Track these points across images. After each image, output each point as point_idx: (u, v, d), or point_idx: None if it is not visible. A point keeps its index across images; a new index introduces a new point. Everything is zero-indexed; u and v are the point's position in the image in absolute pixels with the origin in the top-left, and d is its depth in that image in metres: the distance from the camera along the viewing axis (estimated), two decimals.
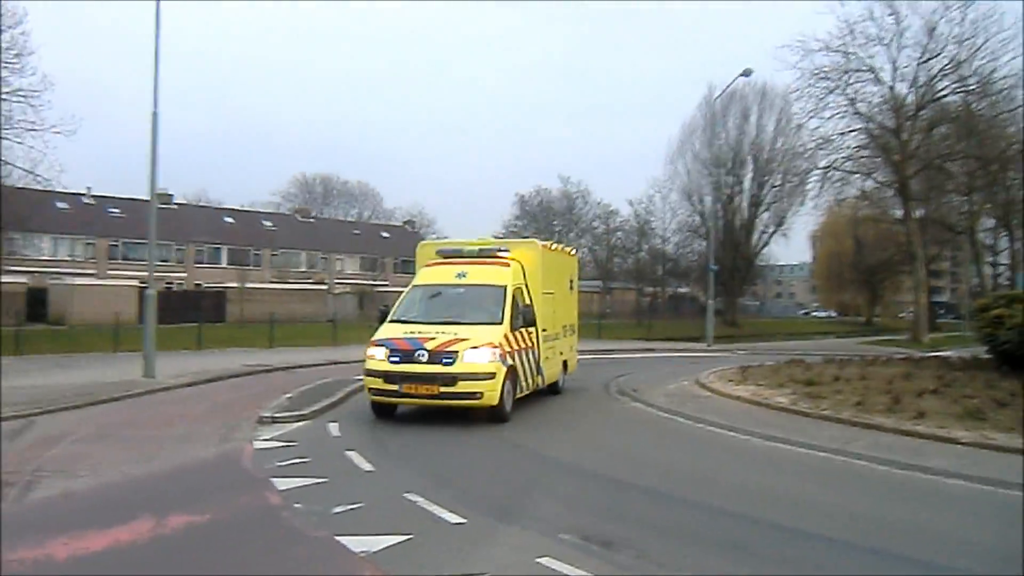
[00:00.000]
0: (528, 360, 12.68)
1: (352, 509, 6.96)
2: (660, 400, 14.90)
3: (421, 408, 12.11)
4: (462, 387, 10.94)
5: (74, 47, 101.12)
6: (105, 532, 6.22)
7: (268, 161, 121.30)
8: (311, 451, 9.62)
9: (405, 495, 7.43)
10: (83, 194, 56.78)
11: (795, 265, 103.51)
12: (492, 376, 11.10)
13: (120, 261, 54.35)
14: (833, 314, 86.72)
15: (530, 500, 7.52)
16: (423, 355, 11.04)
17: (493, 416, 11.38)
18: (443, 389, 10.95)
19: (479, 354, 11.11)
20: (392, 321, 12.20)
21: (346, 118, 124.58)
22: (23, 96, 28.91)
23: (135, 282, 40.68)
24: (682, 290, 72.56)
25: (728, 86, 41.10)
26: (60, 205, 52.79)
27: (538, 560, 5.68)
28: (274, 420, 11.69)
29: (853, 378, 16.59)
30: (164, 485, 8.02)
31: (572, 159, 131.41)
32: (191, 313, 36.73)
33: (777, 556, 6.06)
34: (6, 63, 28.92)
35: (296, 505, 7.10)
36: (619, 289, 69.12)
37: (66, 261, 52.74)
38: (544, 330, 13.37)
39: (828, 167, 37.61)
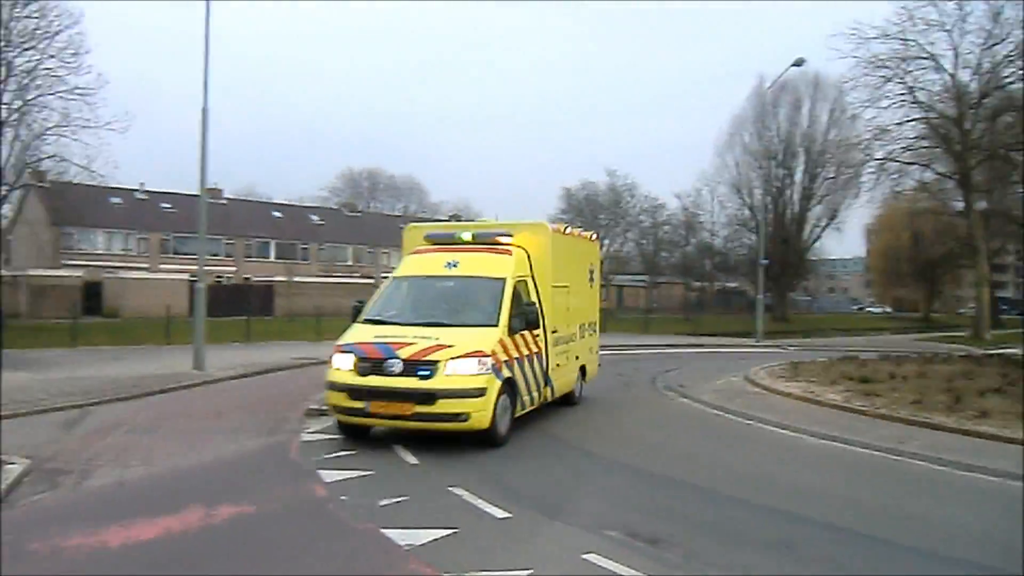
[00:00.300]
0: (531, 370, 10.47)
1: (398, 502, 6.97)
2: (708, 396, 14.68)
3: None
4: (443, 406, 8.83)
5: (127, 47, 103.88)
6: (156, 521, 6.33)
7: (315, 156, 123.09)
8: (357, 443, 9.66)
9: (450, 489, 7.41)
10: (136, 189, 58.20)
11: (849, 259, 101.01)
12: (481, 392, 8.96)
13: (171, 255, 55.64)
14: (889, 310, 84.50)
15: (575, 496, 7.44)
16: (396, 365, 8.95)
17: (483, 441, 9.27)
18: (419, 408, 8.82)
19: (465, 365, 8.99)
20: (365, 321, 10.15)
21: (393, 113, 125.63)
22: (79, 94, 29.82)
23: (186, 276, 41.61)
24: (730, 285, 71.52)
25: (779, 77, 40.16)
26: (114, 200, 54.17)
27: (584, 556, 5.62)
28: (321, 412, 11.77)
29: (910, 376, 16.12)
30: (213, 476, 8.15)
31: (619, 153, 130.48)
32: (240, 307, 37.43)
33: (829, 557, 5.90)
34: (63, 62, 29.87)
35: (342, 497, 7.13)
36: (666, 283, 68.41)
37: (120, 255, 54.14)
38: (555, 331, 11.33)
39: (885, 158, 36.58)
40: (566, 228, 12.81)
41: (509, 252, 10.77)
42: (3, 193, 32.42)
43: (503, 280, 10.21)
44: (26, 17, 29.89)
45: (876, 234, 71.97)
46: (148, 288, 42.01)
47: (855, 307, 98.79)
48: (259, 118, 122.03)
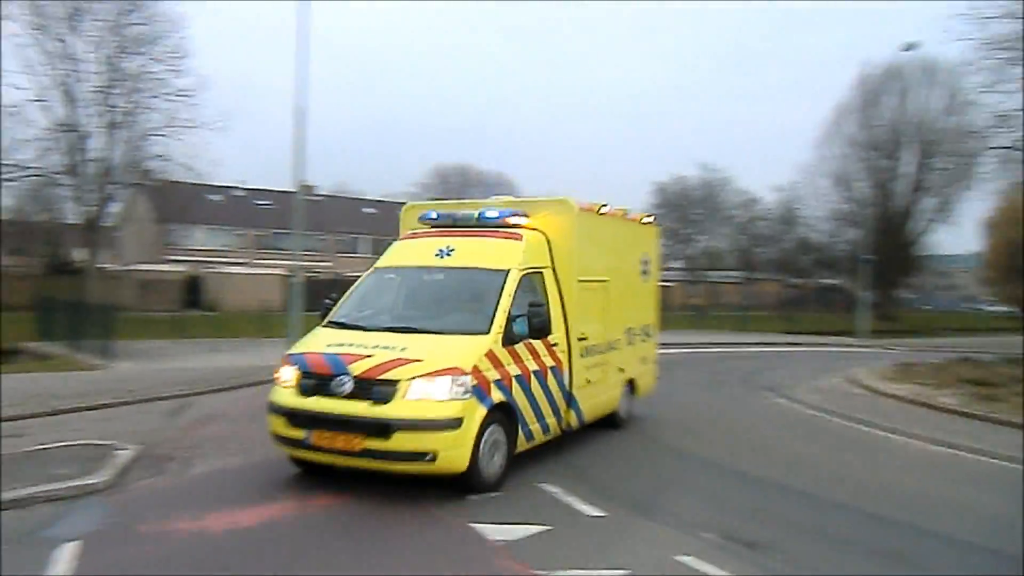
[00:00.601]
0: (543, 390, 8.07)
1: (488, 497, 6.94)
2: (807, 397, 14.14)
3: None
4: (400, 442, 6.58)
5: (226, 46, 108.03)
6: (255, 508, 6.52)
7: (407, 152, 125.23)
8: None
9: (541, 485, 7.34)
10: (234, 187, 60.58)
11: (963, 255, 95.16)
12: (454, 424, 6.68)
13: (268, 251, 57.60)
14: (1010, 309, 79.21)
15: (669, 496, 7.24)
16: (345, 384, 6.87)
17: (462, 486, 6.98)
18: (369, 443, 6.63)
19: (434, 386, 6.75)
20: (329, 324, 8.12)
21: (485, 108, 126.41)
22: (182, 96, 31.35)
23: (281, 271, 43.08)
24: (830, 281, 68.77)
25: (888, 62, 38.14)
26: (213, 198, 56.52)
27: (679, 558, 5.46)
28: None
29: None
30: None
31: (712, 146, 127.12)
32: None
33: (943, 569, 5.52)
34: (168, 66, 31.50)
35: (432, 490, 7.13)
36: (762, 280, 66.46)
37: (219, 251, 56.37)
38: (583, 338, 8.89)
39: (1007, 146, 34.20)
40: (602, 207, 9.67)
41: (518, 237, 8.47)
42: (113, 192, 34.42)
43: (504, 273, 7.94)
44: (134, 24, 31.73)
45: (995, 227, 67.30)
46: (245, 283, 43.79)
47: (970, 306, 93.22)
48: (352, 115, 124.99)
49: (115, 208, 38.11)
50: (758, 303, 59.24)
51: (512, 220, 8.66)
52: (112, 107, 32.00)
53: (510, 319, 7.56)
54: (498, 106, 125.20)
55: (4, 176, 30.93)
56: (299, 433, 7.01)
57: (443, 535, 5.96)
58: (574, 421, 8.82)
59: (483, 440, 6.96)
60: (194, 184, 37.14)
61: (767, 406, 13.49)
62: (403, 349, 7.03)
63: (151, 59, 31.77)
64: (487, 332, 7.37)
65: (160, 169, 34.09)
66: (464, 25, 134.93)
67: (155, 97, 31.98)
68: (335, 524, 6.18)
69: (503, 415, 7.31)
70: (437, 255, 8.42)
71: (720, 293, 63.23)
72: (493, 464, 7.16)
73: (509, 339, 7.51)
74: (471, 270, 8.22)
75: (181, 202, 41.15)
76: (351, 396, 6.83)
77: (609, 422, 10.22)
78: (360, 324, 7.84)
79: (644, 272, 11.11)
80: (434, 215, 9.12)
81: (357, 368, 6.90)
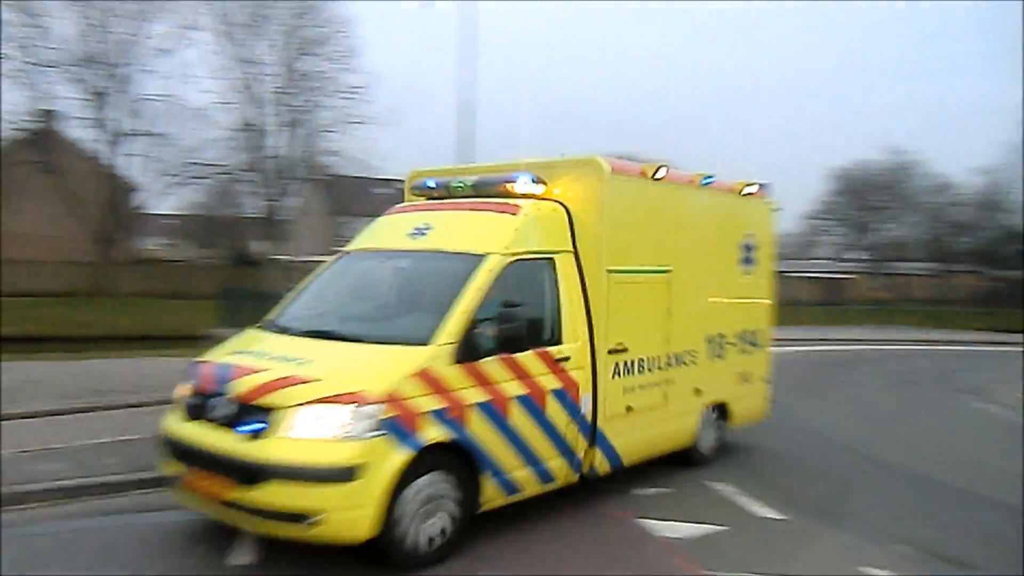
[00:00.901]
0: (534, 423, 5.70)
1: (656, 492, 6.72)
2: (1015, 401, 12.69)
3: None
4: (272, 495, 4.62)
5: (397, 42, 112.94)
6: None
7: (573, 141, 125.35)
8: None
9: (710, 483, 7.03)
10: (399, 180, 63.36)
11: None
12: (347, 475, 4.63)
13: None
14: None
15: (856, 502, 6.71)
16: (217, 407, 5.09)
17: (376, 559, 4.97)
18: (236, 494, 4.75)
19: (323, 418, 4.76)
20: (261, 326, 6.31)
21: (651, 95, 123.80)
22: (354, 93, 33.19)
23: None
24: None
25: None
26: (380, 191, 59.52)
27: (868, 570, 5.05)
28: None
29: None
30: None
31: (897, 127, 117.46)
32: None
33: None
34: (340, 64, 33.50)
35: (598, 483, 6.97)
36: (958, 272, 60.65)
37: None
38: (620, 349, 6.47)
39: None
40: (659, 169, 6.88)
41: (514, 210, 6.18)
42: (288, 187, 37.09)
43: (478, 259, 5.71)
44: (309, 26, 34.07)
45: None
46: None
47: None
48: (519, 102, 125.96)
49: (290, 202, 40.88)
50: (953, 297, 54.26)
51: (519, 187, 6.41)
52: (289, 106, 34.48)
53: (476, 324, 5.36)
54: (665, 93, 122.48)
55: (194, 175, 34.16)
56: (178, 468, 5.28)
57: (609, 530, 5.81)
58: (601, 463, 6.39)
59: (403, 496, 4.86)
60: (362, 178, 39.21)
61: (970, 411, 12.20)
62: (304, 363, 5.15)
63: (324, 59, 33.97)
64: (426, 342, 5.18)
65: (333, 164, 36.23)
66: (629, 11, 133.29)
67: (328, 95, 34.14)
68: (501, 518, 6.16)
69: (454, 459, 5.17)
70: (410, 235, 6.38)
71: (908, 286, 58.48)
72: (427, 529, 5.02)
73: (471, 352, 5.30)
74: (439, 255, 6.12)
75: (348, 195, 43.58)
76: (227, 424, 4.99)
77: (687, 458, 7.56)
78: (289, 326, 6.05)
79: (746, 260, 8.30)
80: (429, 184, 7.11)
81: (240, 386, 5.04)
